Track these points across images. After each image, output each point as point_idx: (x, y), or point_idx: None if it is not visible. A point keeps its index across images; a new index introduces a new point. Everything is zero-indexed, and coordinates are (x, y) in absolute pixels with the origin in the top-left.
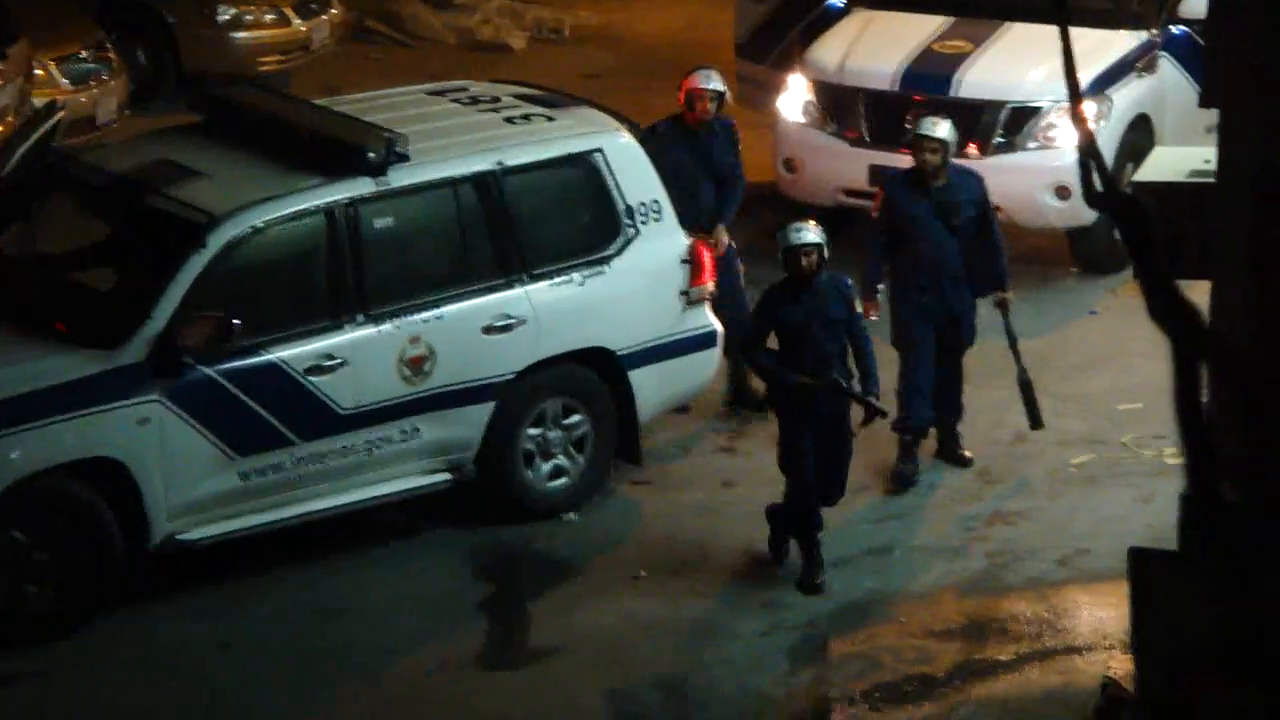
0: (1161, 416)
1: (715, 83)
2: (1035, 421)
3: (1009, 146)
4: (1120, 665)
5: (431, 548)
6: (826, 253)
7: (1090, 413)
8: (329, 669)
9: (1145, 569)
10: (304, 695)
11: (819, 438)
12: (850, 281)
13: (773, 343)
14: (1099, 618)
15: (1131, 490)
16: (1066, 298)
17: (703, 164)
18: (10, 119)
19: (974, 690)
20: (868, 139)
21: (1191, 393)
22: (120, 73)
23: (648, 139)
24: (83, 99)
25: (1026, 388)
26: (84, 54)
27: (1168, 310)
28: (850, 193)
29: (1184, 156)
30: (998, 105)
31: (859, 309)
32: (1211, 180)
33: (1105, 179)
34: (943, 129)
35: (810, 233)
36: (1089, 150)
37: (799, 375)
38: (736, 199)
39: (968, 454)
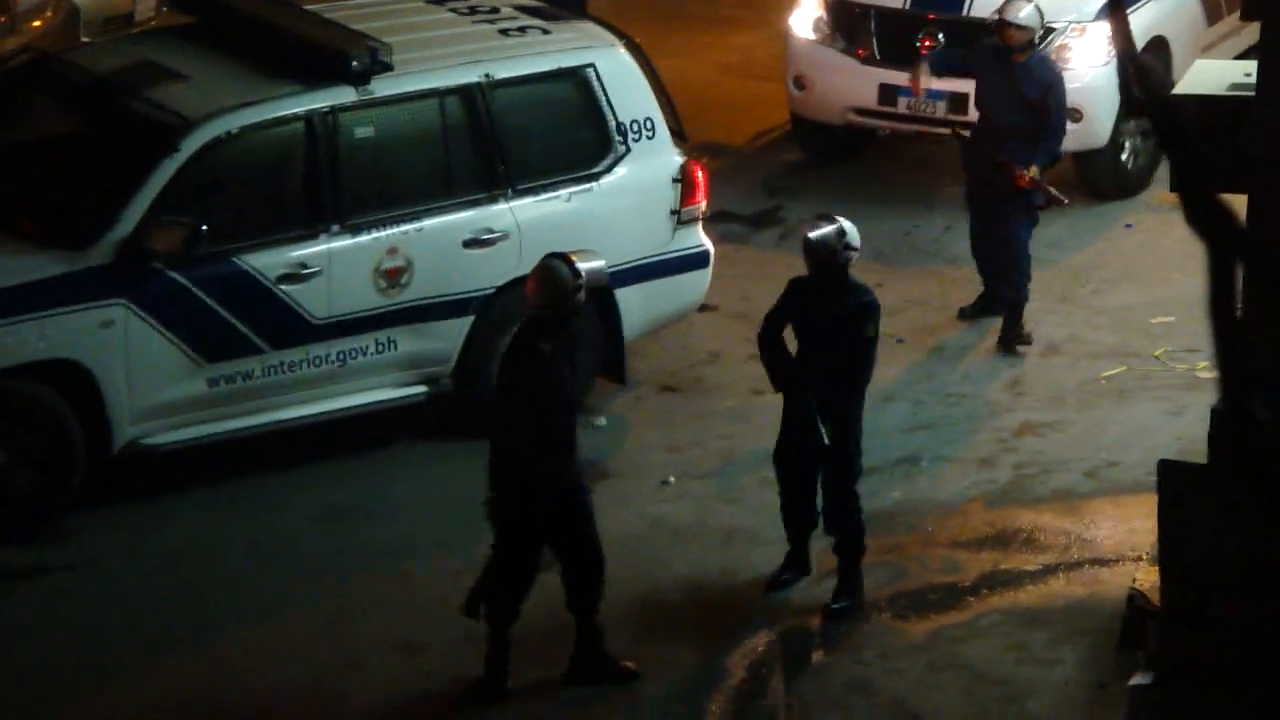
0: (1194, 330)
1: None
2: None
3: None
4: (1146, 578)
5: (455, 449)
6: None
7: (1123, 326)
8: (357, 569)
9: (1174, 482)
10: (332, 594)
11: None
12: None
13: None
14: (1126, 530)
15: (1162, 403)
16: (1102, 211)
17: None
18: (48, 14)
19: (999, 600)
20: (878, 57)
21: (1226, 303)
22: None
23: None
24: None
25: None
26: None
27: (1205, 218)
28: (860, 111)
29: (1225, 69)
30: None
31: None
32: (1251, 94)
33: (1147, 87)
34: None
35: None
36: (1129, 58)
37: None
38: None
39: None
